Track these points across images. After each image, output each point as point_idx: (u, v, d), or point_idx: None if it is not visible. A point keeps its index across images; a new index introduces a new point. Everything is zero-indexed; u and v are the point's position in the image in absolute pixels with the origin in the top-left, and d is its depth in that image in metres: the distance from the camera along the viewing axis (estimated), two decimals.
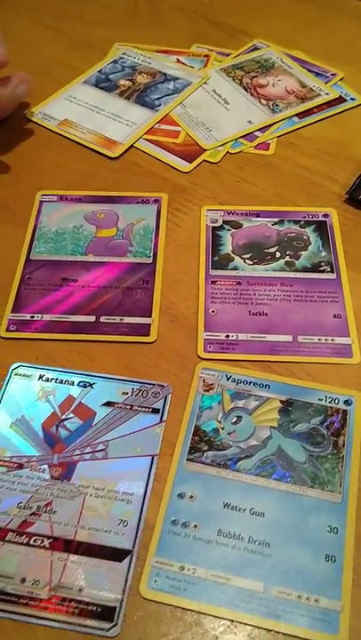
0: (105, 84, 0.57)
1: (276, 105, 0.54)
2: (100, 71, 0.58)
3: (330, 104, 0.55)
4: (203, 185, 0.49)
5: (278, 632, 0.30)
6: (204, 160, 0.51)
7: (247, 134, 0.52)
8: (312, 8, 0.64)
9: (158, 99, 0.55)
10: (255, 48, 0.60)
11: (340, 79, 0.57)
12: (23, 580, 0.31)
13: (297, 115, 0.53)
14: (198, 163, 0.50)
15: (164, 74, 0.58)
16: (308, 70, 0.57)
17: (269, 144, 0.51)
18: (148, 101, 0.55)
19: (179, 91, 0.56)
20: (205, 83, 0.56)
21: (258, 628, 0.30)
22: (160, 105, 0.55)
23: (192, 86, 0.56)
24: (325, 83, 0.56)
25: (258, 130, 0.53)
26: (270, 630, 0.30)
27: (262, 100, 0.54)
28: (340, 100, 0.55)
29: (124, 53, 0.60)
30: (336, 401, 0.37)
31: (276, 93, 0.55)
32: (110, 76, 0.58)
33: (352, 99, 0.55)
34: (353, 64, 0.58)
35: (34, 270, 0.44)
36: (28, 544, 0.33)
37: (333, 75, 0.57)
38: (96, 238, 0.46)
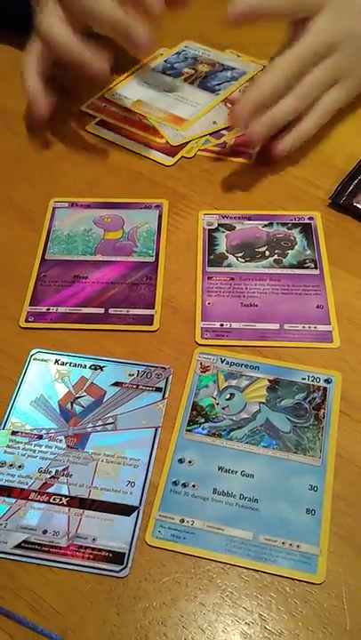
0: (171, 72, 0.64)
1: None
2: (165, 60, 0.65)
3: None
4: (200, 192, 0.54)
5: (265, 572, 0.35)
6: (182, 156, 0.57)
7: (213, 133, 0.58)
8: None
9: (218, 84, 0.62)
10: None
11: None
12: (45, 532, 0.36)
13: None
14: (178, 158, 0.56)
15: (222, 64, 0.65)
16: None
17: (251, 154, 0.57)
18: (209, 87, 0.62)
19: (236, 78, 0.63)
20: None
21: (247, 569, 0.35)
22: (220, 90, 0.62)
23: (248, 75, 0.63)
24: None
25: (223, 129, 0.59)
26: (258, 571, 0.35)
27: (228, 104, 0.61)
28: None
29: (186, 46, 0.67)
30: (318, 380, 0.42)
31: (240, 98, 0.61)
32: (175, 65, 0.65)
33: None
34: None
35: (48, 269, 0.49)
36: (48, 502, 0.37)
37: None
38: (104, 240, 0.51)
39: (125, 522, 0.36)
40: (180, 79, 0.63)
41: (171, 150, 0.57)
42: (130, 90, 0.63)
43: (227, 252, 0.49)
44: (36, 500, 0.37)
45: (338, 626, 0.33)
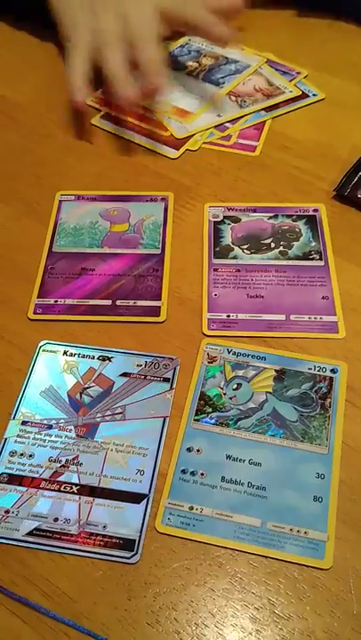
0: (175, 65, 0.64)
1: (244, 101, 0.60)
2: (170, 53, 0.65)
3: (294, 99, 0.61)
4: (205, 184, 0.54)
5: (274, 558, 0.35)
6: (187, 149, 0.57)
7: (218, 125, 0.59)
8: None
9: (222, 77, 0.63)
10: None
11: (305, 77, 0.63)
12: (56, 520, 0.37)
13: (264, 109, 0.60)
14: (183, 151, 0.57)
15: (226, 57, 0.65)
16: (276, 70, 0.64)
17: (256, 146, 0.57)
18: (213, 80, 0.63)
19: (240, 71, 0.63)
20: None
21: (256, 555, 0.35)
22: (224, 83, 0.62)
23: (251, 68, 0.64)
24: (290, 81, 0.62)
25: (228, 122, 0.59)
26: (267, 557, 0.35)
27: (232, 97, 0.61)
28: (304, 95, 0.61)
29: (189, 39, 0.67)
30: (324, 369, 0.42)
31: (244, 91, 0.61)
32: (179, 58, 0.65)
33: (314, 94, 0.61)
34: (315, 64, 0.64)
35: (56, 261, 0.50)
36: (58, 490, 0.38)
37: (298, 73, 0.63)
38: (110, 233, 0.51)
39: (135, 509, 0.37)
40: (184, 72, 0.63)
41: (176, 143, 0.57)
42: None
43: (232, 243, 0.50)
44: (46, 489, 0.38)
45: (345, 610, 0.34)
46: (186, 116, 0.59)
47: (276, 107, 0.60)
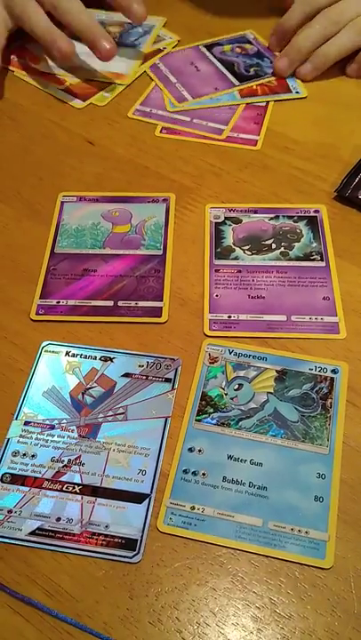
0: None
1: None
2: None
3: (276, 92, 0.62)
4: (206, 185, 0.54)
5: (275, 558, 0.35)
6: (91, 103, 0.62)
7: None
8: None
9: (135, 39, 0.67)
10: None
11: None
12: (58, 519, 0.37)
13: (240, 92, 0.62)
14: (88, 103, 0.62)
15: (130, 23, 0.68)
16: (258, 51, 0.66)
17: (257, 140, 0.58)
18: (128, 43, 0.67)
19: (148, 32, 0.68)
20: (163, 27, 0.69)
21: (257, 554, 0.36)
22: (140, 43, 0.67)
23: (157, 27, 0.68)
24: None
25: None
26: (268, 556, 0.35)
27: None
28: (287, 90, 0.62)
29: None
30: (325, 370, 0.43)
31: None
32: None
33: (297, 92, 0.62)
34: None
35: (58, 262, 0.50)
36: (61, 490, 0.38)
37: None
38: (112, 234, 0.52)
39: (137, 509, 0.37)
40: None
41: (84, 94, 0.62)
42: None
43: (234, 244, 0.50)
44: (49, 489, 0.38)
45: (346, 609, 0.34)
46: (122, 78, 0.63)
47: (254, 93, 0.62)
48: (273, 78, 0.63)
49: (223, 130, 0.58)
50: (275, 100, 0.61)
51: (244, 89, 0.62)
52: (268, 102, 0.61)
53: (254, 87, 0.62)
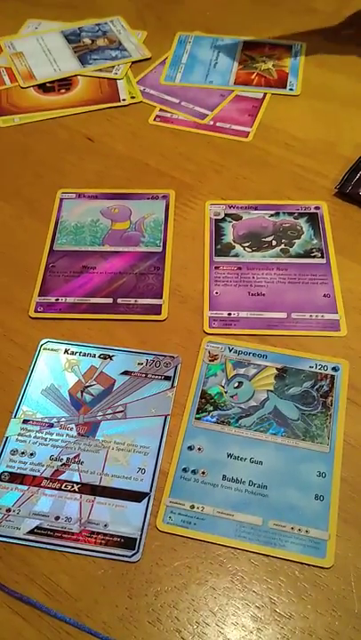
0: (72, 37, 0.66)
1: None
2: (79, 27, 0.67)
3: (270, 84, 0.62)
4: (206, 182, 0.54)
5: (275, 557, 0.35)
6: None
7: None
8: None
9: (96, 59, 0.64)
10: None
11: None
12: (57, 518, 0.37)
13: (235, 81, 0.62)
14: None
15: (121, 43, 0.66)
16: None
17: (248, 132, 0.58)
18: (86, 59, 0.64)
19: (117, 59, 0.65)
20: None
21: (257, 554, 0.35)
22: (92, 64, 0.64)
23: (130, 59, 0.65)
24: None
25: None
26: (268, 555, 0.35)
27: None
28: (282, 85, 0.62)
29: (111, 21, 0.68)
30: (325, 368, 0.42)
31: None
32: (82, 34, 0.66)
33: (291, 89, 0.61)
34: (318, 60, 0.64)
35: (57, 260, 0.49)
36: (60, 489, 0.38)
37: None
38: (111, 230, 0.51)
39: (136, 508, 0.37)
40: (73, 46, 0.65)
41: None
42: (23, 43, 0.66)
43: (234, 241, 0.50)
44: (48, 487, 0.38)
45: (347, 608, 0.33)
46: (29, 81, 0.62)
47: (250, 82, 0.61)
48: (274, 70, 0.62)
49: (207, 115, 0.58)
50: (266, 93, 0.61)
51: (241, 75, 0.62)
52: (264, 95, 0.60)
53: (252, 77, 0.62)
